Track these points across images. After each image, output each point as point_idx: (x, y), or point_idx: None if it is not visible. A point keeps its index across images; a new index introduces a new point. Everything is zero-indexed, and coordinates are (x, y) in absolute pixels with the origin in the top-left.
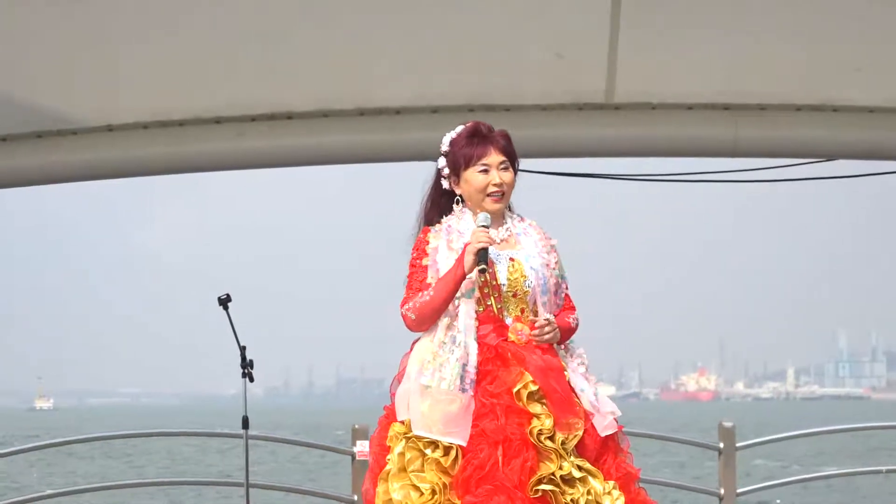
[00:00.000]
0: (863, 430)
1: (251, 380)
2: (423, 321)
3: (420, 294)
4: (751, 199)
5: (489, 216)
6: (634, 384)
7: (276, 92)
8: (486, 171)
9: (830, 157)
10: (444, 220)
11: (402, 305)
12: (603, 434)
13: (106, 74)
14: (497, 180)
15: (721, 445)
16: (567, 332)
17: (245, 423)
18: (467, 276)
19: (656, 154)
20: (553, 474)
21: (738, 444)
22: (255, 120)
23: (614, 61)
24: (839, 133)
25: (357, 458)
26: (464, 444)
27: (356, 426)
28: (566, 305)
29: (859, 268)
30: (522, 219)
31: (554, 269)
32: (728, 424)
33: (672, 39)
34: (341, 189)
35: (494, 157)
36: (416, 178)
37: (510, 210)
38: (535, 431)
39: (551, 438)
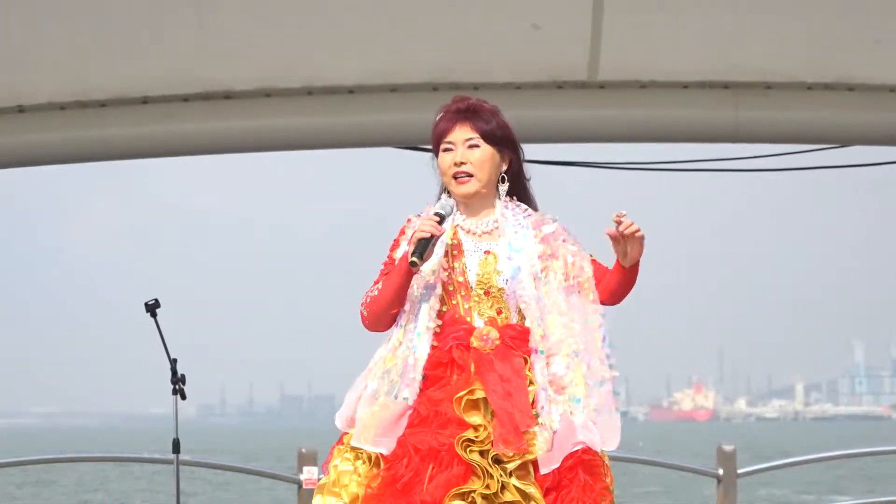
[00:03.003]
0: (882, 454)
1: (183, 397)
2: (376, 318)
3: (372, 288)
4: (753, 190)
5: (451, 204)
6: (621, 402)
7: (211, 68)
8: (450, 150)
9: (845, 144)
10: (427, 209)
11: (363, 298)
12: (543, 470)
13: (16, 48)
14: (458, 159)
15: (720, 472)
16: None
17: (176, 447)
18: (421, 270)
19: (645, 139)
20: (474, 491)
21: (739, 471)
22: (188, 100)
23: (598, 33)
24: (855, 115)
25: (304, 486)
26: (385, 452)
27: (303, 450)
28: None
29: (878, 269)
30: (525, 209)
31: (561, 258)
32: (728, 448)
33: (664, 9)
34: (286, 177)
35: (459, 134)
36: (374, 165)
37: (512, 198)
38: (462, 441)
39: (483, 453)
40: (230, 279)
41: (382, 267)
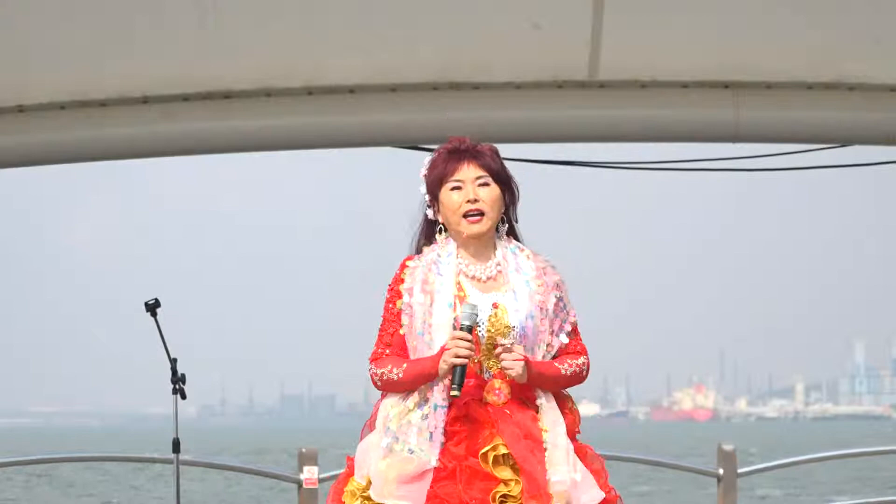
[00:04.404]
0: (883, 454)
1: (183, 397)
2: (388, 391)
3: (389, 367)
4: (753, 189)
5: (475, 309)
6: (621, 402)
7: (211, 68)
8: (459, 189)
9: (846, 143)
10: (426, 251)
11: (371, 361)
12: None
13: (16, 48)
14: (471, 196)
15: (721, 472)
16: (557, 381)
17: (176, 447)
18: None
19: (646, 139)
20: None
21: (739, 471)
22: (188, 100)
23: (598, 33)
24: (856, 115)
25: (304, 485)
26: None
27: (303, 450)
28: (569, 348)
29: (878, 268)
30: (522, 249)
31: (550, 310)
32: (728, 448)
33: (665, 8)
34: (286, 177)
35: (469, 172)
36: (373, 163)
37: (510, 238)
38: (498, 497)
39: None
40: (230, 279)
41: (384, 320)
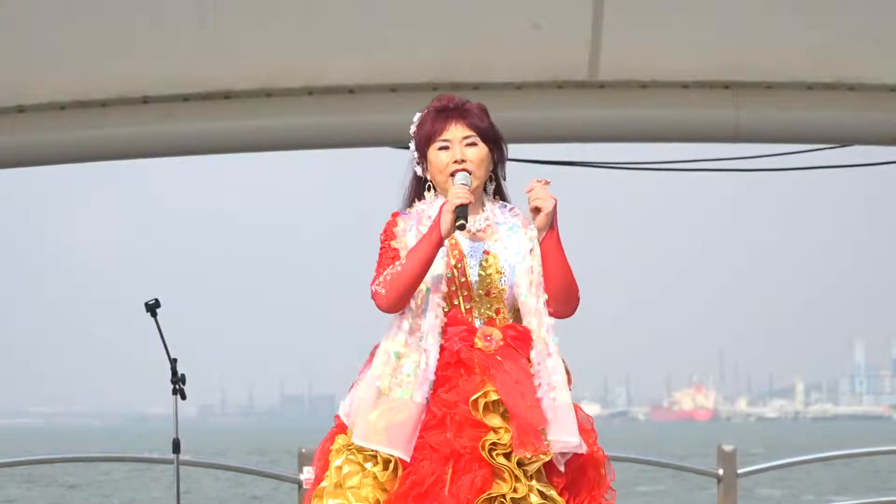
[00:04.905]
0: (883, 454)
1: (183, 397)
2: (396, 297)
3: (391, 266)
4: (753, 189)
5: (469, 176)
6: (621, 402)
7: (211, 68)
8: (446, 149)
9: (846, 143)
10: (416, 205)
11: (372, 283)
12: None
13: (16, 48)
14: (458, 156)
15: (721, 472)
16: (566, 263)
17: (176, 447)
18: (444, 241)
19: (646, 139)
20: (504, 496)
21: (739, 471)
22: (188, 100)
23: (599, 33)
24: (855, 115)
25: (304, 486)
26: (404, 456)
27: (303, 450)
28: None
29: (878, 268)
30: (511, 208)
31: (538, 255)
32: (728, 448)
33: (665, 9)
34: (286, 178)
35: (456, 132)
36: (373, 163)
37: (496, 198)
38: (487, 445)
39: (507, 456)
40: (230, 279)
41: (381, 253)
